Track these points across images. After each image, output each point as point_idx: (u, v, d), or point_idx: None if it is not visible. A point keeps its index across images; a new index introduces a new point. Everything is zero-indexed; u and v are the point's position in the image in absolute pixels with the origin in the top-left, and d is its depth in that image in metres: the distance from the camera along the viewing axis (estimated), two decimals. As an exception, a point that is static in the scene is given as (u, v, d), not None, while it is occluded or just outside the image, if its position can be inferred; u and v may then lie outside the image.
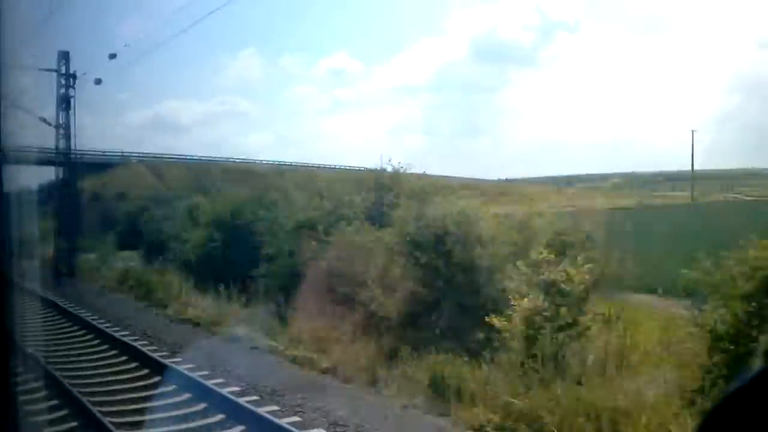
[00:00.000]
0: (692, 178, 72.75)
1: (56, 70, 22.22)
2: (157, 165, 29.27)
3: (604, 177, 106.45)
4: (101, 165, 29.99)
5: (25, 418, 5.87)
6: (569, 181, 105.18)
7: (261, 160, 42.80)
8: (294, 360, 10.11)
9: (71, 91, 22.32)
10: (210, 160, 31.71)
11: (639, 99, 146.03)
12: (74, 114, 22.38)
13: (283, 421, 7.13)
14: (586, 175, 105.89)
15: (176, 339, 11.68)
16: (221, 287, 13.94)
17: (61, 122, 22.35)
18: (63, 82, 22.24)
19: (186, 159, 32.73)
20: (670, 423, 6.18)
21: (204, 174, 20.35)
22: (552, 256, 9.11)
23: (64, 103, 22.36)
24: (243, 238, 15.86)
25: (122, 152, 35.15)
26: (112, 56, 21.54)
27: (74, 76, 22.20)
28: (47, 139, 21.11)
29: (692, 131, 73.76)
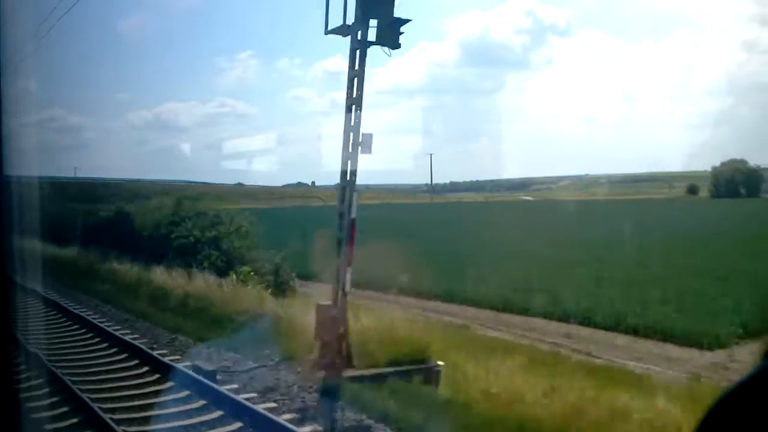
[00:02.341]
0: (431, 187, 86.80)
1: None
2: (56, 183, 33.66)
3: (559, 179, 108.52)
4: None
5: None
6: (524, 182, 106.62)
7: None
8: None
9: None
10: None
11: (632, 102, 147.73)
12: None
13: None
14: (543, 177, 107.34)
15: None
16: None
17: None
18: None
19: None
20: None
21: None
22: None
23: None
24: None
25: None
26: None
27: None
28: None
29: (430, 155, 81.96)
